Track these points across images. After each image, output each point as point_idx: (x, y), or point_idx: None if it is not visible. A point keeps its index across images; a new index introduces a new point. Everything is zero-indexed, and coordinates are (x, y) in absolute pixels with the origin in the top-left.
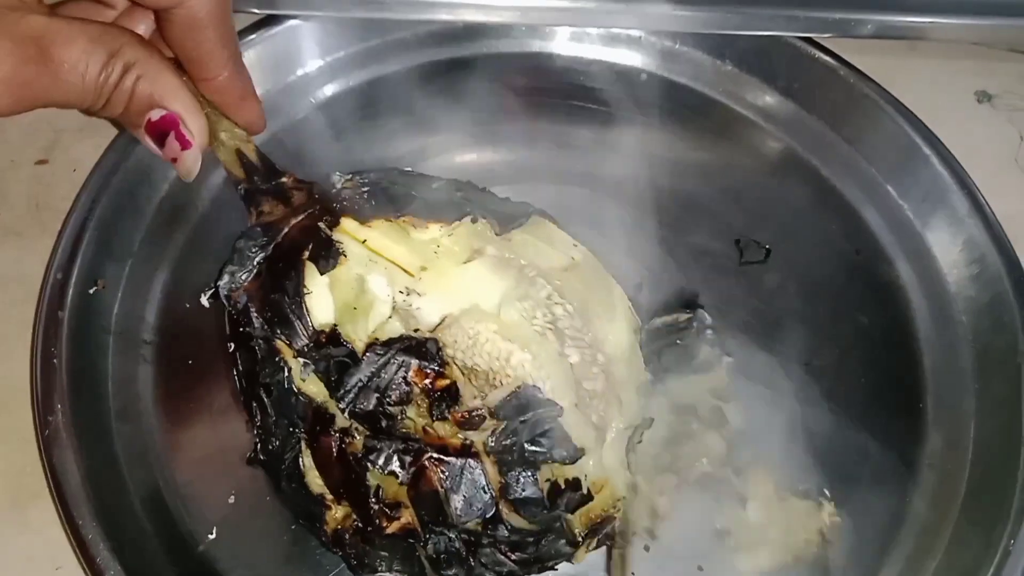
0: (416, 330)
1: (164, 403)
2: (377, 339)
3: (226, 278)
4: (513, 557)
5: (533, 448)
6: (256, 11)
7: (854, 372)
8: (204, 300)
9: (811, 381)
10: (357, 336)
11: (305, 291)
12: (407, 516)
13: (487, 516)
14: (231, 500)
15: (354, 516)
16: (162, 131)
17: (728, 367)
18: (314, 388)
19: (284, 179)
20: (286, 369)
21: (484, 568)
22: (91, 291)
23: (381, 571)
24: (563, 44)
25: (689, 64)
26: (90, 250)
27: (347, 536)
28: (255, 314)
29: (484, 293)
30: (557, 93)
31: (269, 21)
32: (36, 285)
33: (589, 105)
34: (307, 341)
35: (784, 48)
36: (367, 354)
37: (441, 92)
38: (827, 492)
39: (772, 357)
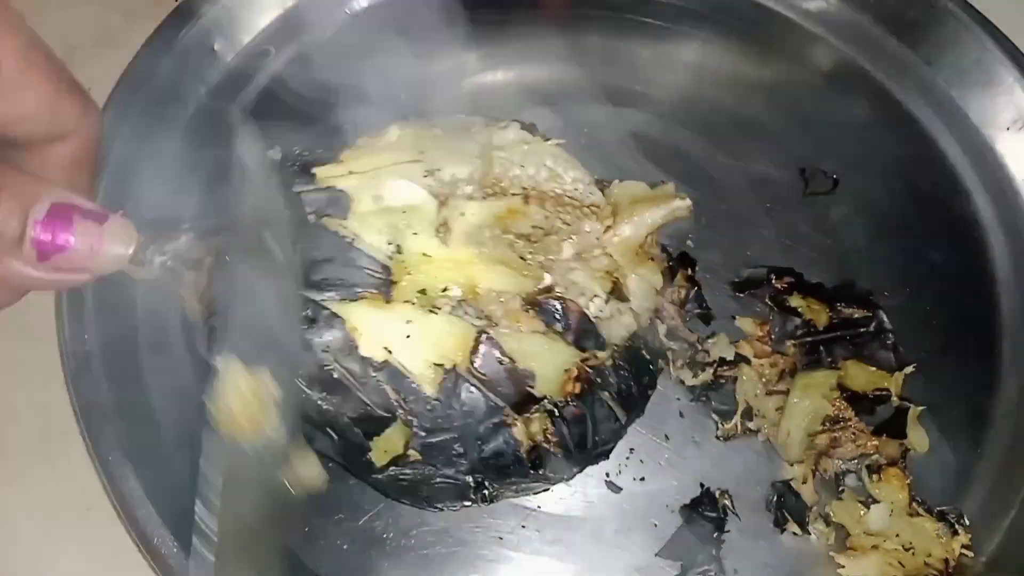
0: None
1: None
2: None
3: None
4: None
5: None
6: None
7: (924, 313)
8: None
9: None
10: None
11: (348, 239)
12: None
13: None
14: None
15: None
16: (57, 227)
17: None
18: None
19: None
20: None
21: None
22: None
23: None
24: None
25: None
26: None
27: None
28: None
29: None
30: (606, 5)
31: None
32: None
33: (640, 18)
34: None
35: None
36: None
37: (483, 4)
38: (966, 521)
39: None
